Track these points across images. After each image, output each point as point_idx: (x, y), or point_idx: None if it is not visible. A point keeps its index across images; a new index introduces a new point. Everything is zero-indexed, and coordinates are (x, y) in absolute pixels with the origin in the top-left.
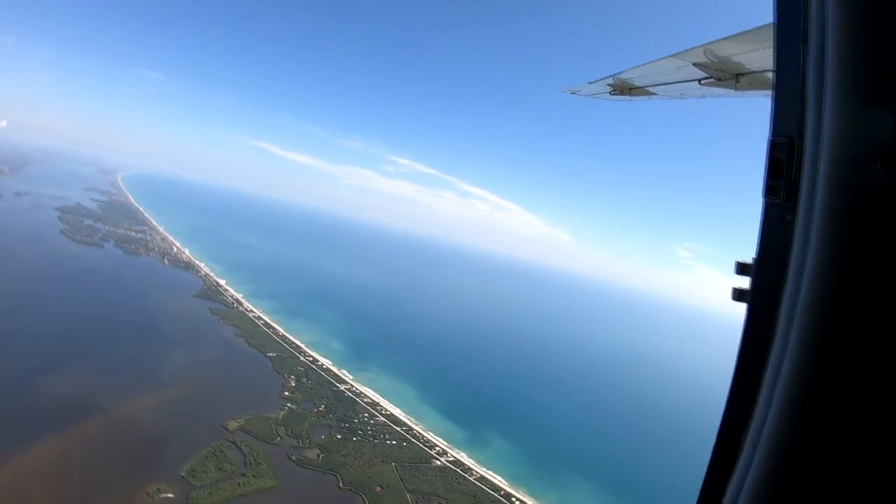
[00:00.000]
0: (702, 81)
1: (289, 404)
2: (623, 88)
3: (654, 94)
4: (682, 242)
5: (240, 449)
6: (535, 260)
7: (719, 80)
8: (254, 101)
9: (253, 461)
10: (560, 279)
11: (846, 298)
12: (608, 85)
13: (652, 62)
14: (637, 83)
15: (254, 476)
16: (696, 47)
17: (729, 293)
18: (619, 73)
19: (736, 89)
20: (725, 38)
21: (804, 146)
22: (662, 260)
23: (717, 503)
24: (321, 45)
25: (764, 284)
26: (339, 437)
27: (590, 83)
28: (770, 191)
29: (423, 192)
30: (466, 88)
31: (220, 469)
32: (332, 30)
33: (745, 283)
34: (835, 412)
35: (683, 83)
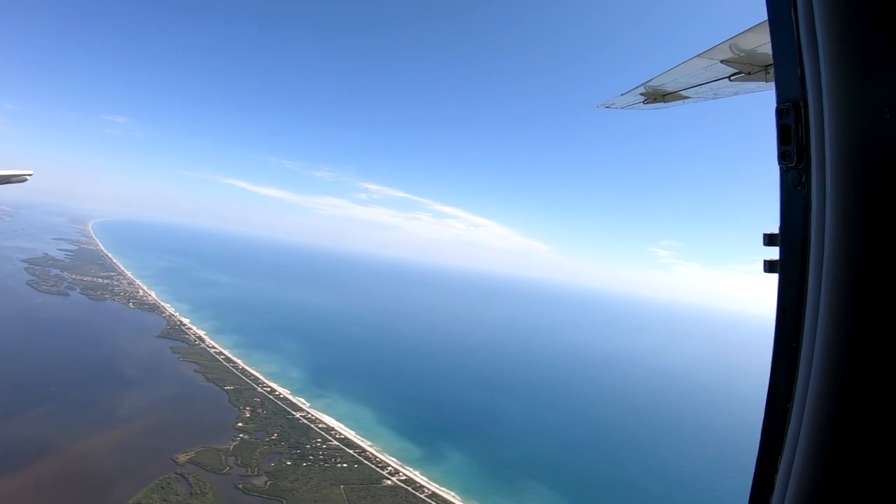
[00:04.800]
0: (732, 78)
1: (241, 435)
2: (656, 96)
3: (687, 97)
4: (658, 241)
5: (187, 480)
6: (514, 273)
7: (749, 73)
8: (221, 138)
9: (199, 492)
10: (537, 289)
11: (870, 252)
12: (640, 94)
13: (679, 65)
14: (669, 88)
15: None
16: (721, 44)
17: (756, 269)
18: (649, 81)
19: (766, 81)
20: (748, 30)
21: (808, 108)
22: (641, 261)
23: (771, 477)
24: (283, 77)
25: (790, 250)
26: (288, 463)
27: (622, 95)
28: (783, 156)
29: (397, 216)
30: (429, 110)
31: (166, 500)
32: (292, 61)
33: (774, 254)
34: (874, 374)
35: (714, 82)
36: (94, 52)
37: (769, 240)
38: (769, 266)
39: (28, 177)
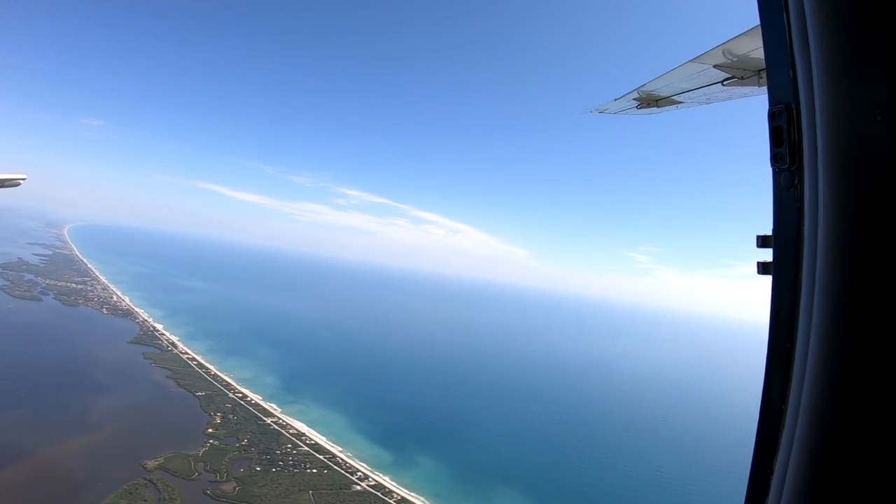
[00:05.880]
0: (725, 82)
1: (211, 441)
2: (649, 101)
3: (680, 102)
4: (636, 247)
5: (155, 486)
6: (493, 279)
7: (742, 78)
8: (199, 143)
9: (167, 497)
10: (516, 295)
11: (863, 253)
12: (634, 99)
13: (673, 70)
14: (662, 93)
15: None
16: (714, 48)
17: (751, 270)
18: (642, 86)
19: (759, 86)
20: (741, 35)
21: (801, 110)
22: (620, 266)
23: (766, 478)
24: (261, 82)
25: (784, 251)
26: (258, 469)
27: (615, 100)
28: (775, 158)
29: (376, 222)
30: (408, 116)
31: None
32: (270, 66)
33: (767, 255)
34: (868, 376)
35: (707, 87)
36: (70, 54)
37: (762, 241)
38: (763, 268)
39: (21, 181)
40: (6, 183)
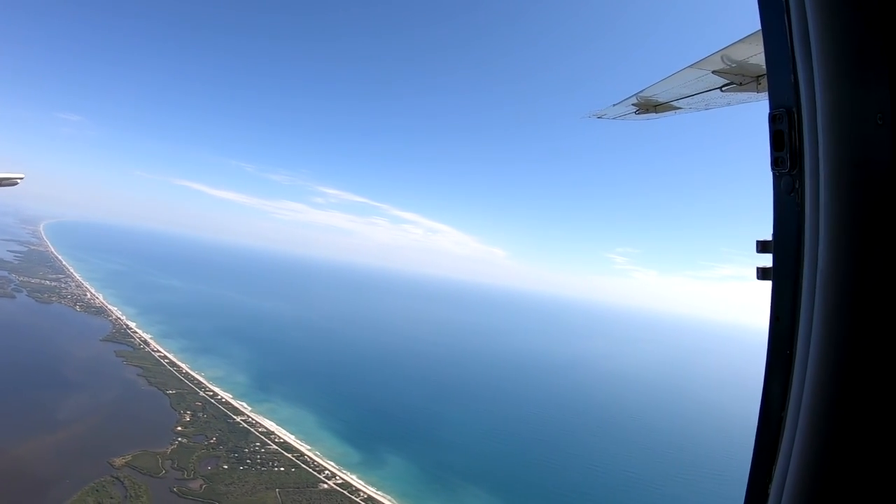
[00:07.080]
0: (723, 88)
1: (180, 439)
2: (648, 106)
3: (679, 108)
4: (613, 248)
5: (122, 484)
6: (471, 279)
7: (741, 84)
8: (178, 140)
9: (134, 494)
10: (494, 295)
11: (864, 258)
12: (632, 105)
13: (671, 76)
14: (661, 99)
15: None
16: (713, 54)
17: (745, 274)
18: (641, 92)
19: (758, 91)
20: (740, 41)
21: (802, 114)
22: (597, 267)
23: (765, 486)
24: (240, 80)
25: (784, 256)
26: (225, 467)
27: (614, 105)
28: (776, 162)
29: (355, 221)
30: (386, 116)
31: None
32: (249, 65)
33: (767, 261)
34: (868, 381)
35: (706, 93)
36: (47, 49)
37: (762, 247)
38: (762, 273)
39: (19, 180)
40: (3, 182)
